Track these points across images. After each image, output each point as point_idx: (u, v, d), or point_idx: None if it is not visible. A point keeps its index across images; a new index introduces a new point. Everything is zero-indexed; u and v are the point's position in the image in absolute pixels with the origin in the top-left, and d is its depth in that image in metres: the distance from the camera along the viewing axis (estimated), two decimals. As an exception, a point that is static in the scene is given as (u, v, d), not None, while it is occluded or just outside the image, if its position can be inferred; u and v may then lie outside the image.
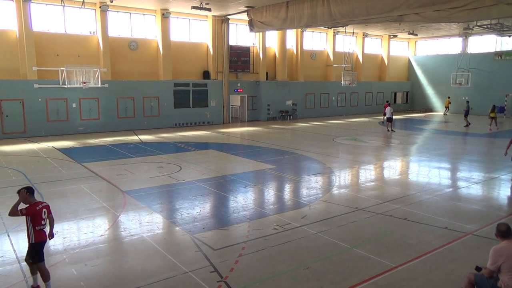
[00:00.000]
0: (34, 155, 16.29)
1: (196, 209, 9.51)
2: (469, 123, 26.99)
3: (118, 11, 24.24)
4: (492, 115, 25.62)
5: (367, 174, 13.76)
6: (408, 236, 7.87)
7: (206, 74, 27.86)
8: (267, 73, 30.74)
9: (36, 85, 21.39)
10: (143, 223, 8.61)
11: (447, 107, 36.82)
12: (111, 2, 22.34)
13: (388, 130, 23.93)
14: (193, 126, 27.00)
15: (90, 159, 15.45)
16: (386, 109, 24.62)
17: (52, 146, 18.43)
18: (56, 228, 8.27)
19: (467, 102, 30.01)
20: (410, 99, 42.11)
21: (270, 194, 11.20)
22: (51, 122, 22.16)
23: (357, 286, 5.95)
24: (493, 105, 26.33)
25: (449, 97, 36.84)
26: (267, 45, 30.40)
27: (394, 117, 24.77)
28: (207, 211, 9.54)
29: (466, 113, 27.45)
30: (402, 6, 15.64)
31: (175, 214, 9.18)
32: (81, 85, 21.47)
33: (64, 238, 7.77)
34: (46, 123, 22.01)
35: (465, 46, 37.07)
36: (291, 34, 32.10)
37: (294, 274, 6.31)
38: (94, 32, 23.64)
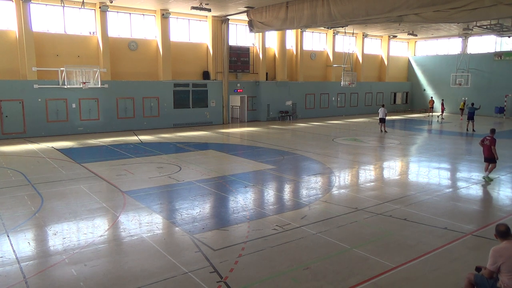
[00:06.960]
0: (33, 156, 16.28)
1: (196, 210, 9.51)
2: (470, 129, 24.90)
3: (117, 12, 24.24)
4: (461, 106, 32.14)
5: (367, 174, 13.76)
6: (408, 236, 7.87)
7: (205, 75, 27.86)
8: (266, 74, 30.74)
9: (35, 86, 21.38)
10: (142, 224, 8.60)
11: (432, 108, 36.16)
12: (111, 2, 22.37)
13: (386, 131, 23.87)
14: (193, 126, 26.99)
15: (90, 160, 15.45)
16: (379, 109, 24.44)
17: (52, 147, 18.42)
18: (56, 228, 8.31)
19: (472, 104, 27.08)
20: (410, 99, 42.12)
21: (269, 194, 11.19)
22: (51, 122, 22.14)
23: (357, 287, 5.95)
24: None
25: (432, 97, 37.23)
26: (266, 46, 30.40)
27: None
28: (207, 212, 9.54)
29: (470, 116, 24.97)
30: (402, 6, 15.65)
31: (175, 215, 9.18)
32: (81, 86, 21.47)
33: (64, 238, 7.76)
34: (46, 124, 22.00)
35: (464, 46, 37.09)
36: (290, 35, 32.10)
37: (294, 275, 6.31)
38: (93, 33, 23.64)
